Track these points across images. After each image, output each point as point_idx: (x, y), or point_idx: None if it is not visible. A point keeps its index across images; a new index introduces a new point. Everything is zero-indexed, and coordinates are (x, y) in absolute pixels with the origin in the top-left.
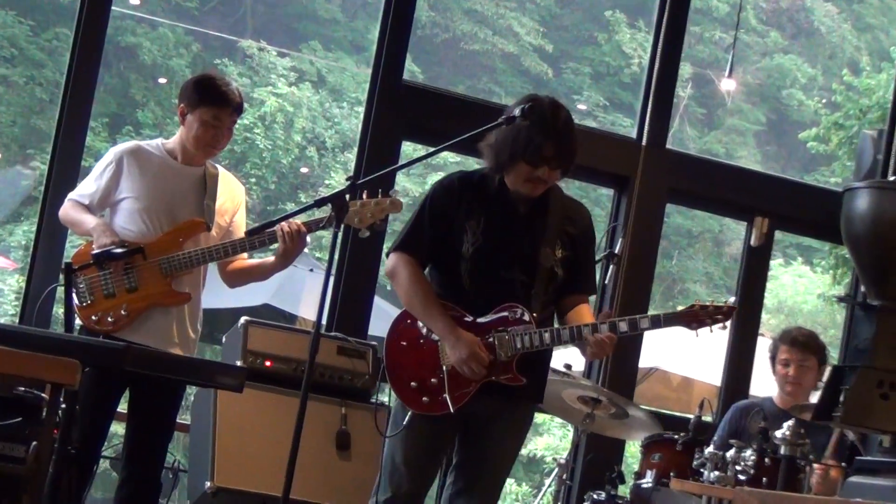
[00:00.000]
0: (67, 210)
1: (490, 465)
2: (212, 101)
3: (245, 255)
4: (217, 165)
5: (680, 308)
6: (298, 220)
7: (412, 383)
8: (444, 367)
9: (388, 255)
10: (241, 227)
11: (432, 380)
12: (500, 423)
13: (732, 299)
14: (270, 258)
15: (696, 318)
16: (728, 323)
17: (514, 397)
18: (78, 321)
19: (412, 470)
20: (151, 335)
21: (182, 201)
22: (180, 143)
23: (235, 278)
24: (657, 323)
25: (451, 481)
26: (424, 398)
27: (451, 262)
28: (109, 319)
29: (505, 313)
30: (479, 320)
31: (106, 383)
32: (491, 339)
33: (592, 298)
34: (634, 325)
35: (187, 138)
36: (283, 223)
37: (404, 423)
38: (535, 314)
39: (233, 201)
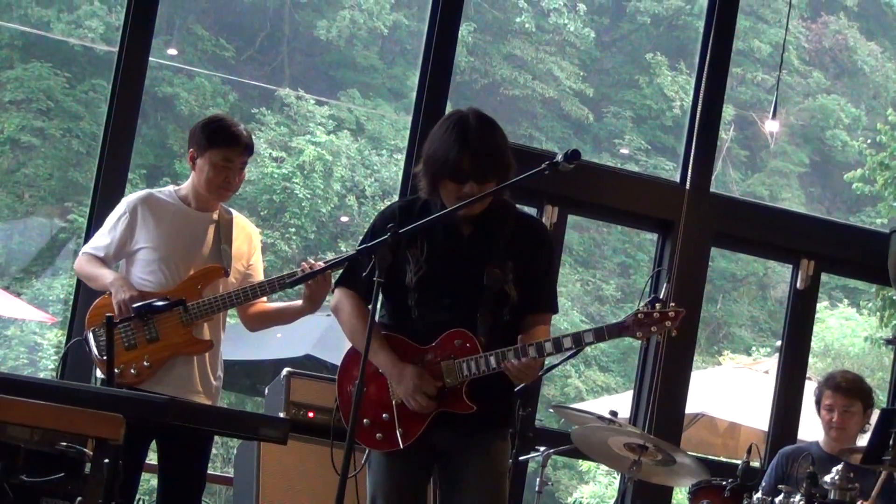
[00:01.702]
0: (82, 264)
1: None
2: (221, 142)
3: (265, 298)
4: (231, 210)
5: (623, 317)
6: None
7: (364, 420)
8: (394, 402)
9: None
10: (258, 270)
11: (384, 415)
12: (473, 458)
13: (674, 305)
14: (297, 302)
15: (640, 326)
16: (675, 328)
17: (479, 428)
18: (99, 374)
19: None
20: (174, 385)
21: (199, 248)
22: (193, 188)
23: (257, 322)
24: (601, 336)
25: None
26: (378, 434)
27: (397, 292)
28: (132, 372)
29: (450, 340)
30: (425, 349)
31: (134, 435)
32: (438, 368)
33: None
34: (579, 340)
35: (199, 183)
36: (304, 264)
37: (363, 461)
38: (481, 338)
39: (249, 244)
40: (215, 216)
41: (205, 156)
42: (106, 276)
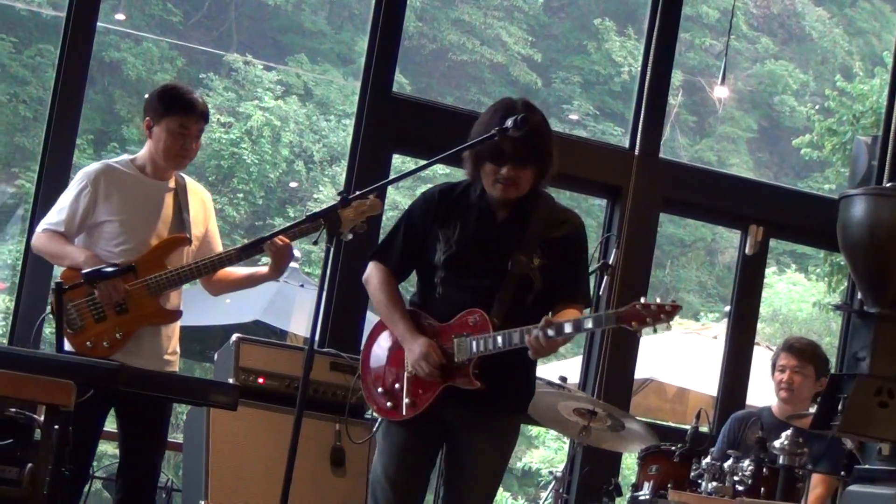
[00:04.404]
0: (44, 242)
1: (470, 481)
2: (177, 110)
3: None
4: (183, 176)
5: (621, 308)
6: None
7: (378, 388)
8: (407, 373)
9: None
10: (216, 236)
11: (396, 385)
12: (479, 435)
13: (670, 300)
14: (263, 269)
15: (636, 317)
16: (671, 323)
17: (488, 407)
18: (69, 347)
19: (393, 485)
20: (148, 356)
21: (161, 217)
22: (149, 157)
23: (223, 288)
24: (599, 323)
25: (441, 495)
26: (388, 403)
27: (427, 270)
28: (105, 344)
29: (466, 318)
30: (441, 325)
31: (91, 402)
32: (450, 344)
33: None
34: (579, 327)
35: (156, 151)
36: (277, 240)
37: (378, 431)
38: (494, 319)
39: (204, 211)
40: (172, 184)
41: (161, 123)
42: (75, 254)
